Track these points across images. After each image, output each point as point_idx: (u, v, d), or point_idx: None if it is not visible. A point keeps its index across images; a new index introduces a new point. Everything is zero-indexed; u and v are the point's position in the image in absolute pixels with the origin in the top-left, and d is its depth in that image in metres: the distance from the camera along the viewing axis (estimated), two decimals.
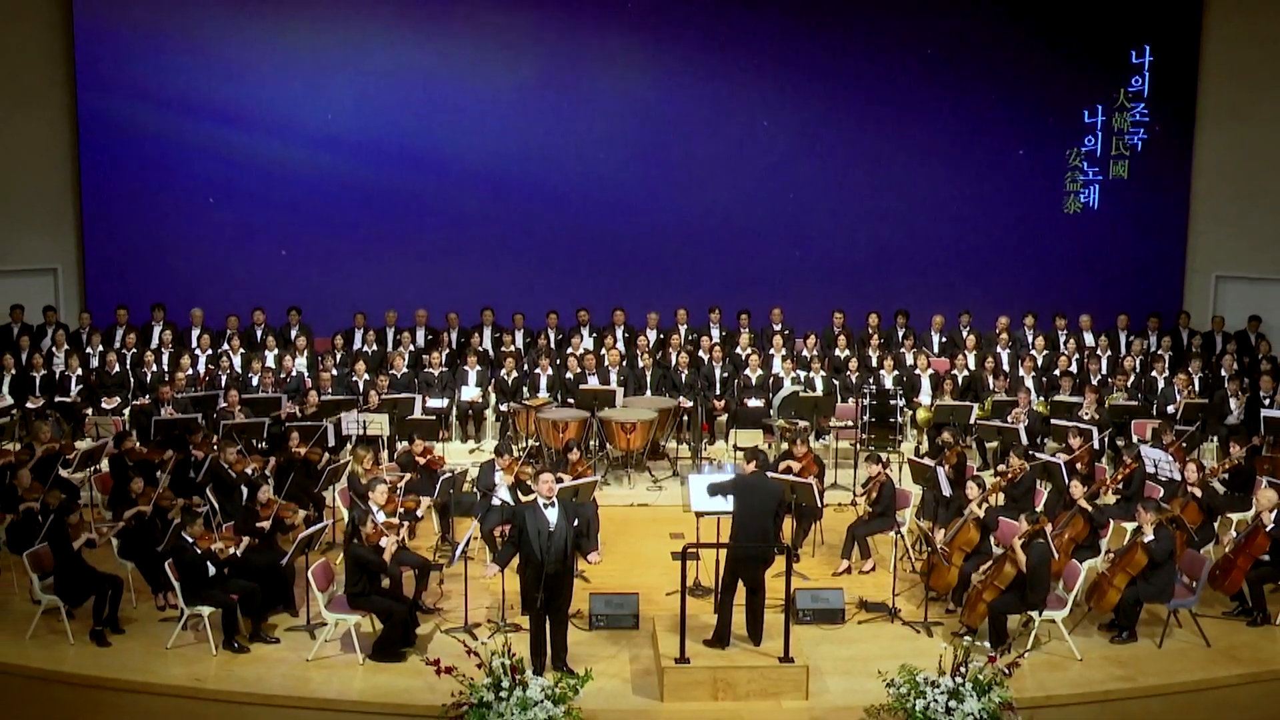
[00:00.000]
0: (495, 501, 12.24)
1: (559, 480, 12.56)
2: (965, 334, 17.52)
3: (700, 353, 16.91)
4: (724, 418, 16.23)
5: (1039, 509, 12.37)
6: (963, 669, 9.61)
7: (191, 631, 10.85)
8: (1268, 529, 11.24)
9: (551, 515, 10.20)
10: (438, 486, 12.77)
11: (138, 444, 13.70)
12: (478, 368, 16.47)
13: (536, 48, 18.63)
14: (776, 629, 10.32)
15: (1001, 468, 13.43)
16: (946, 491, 12.51)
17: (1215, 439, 15.31)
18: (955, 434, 14.04)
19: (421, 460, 13.47)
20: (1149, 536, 10.92)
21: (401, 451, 13.83)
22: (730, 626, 10.48)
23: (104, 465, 13.56)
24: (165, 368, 16.43)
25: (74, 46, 18.04)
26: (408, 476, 13.11)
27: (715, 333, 17.66)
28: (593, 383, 15.86)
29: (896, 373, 16.46)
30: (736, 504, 10.61)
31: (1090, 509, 11.89)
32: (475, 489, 13.00)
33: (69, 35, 18.04)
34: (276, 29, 18.26)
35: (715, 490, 10.82)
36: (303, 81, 18.43)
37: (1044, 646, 10.86)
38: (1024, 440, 14.48)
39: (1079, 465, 13.12)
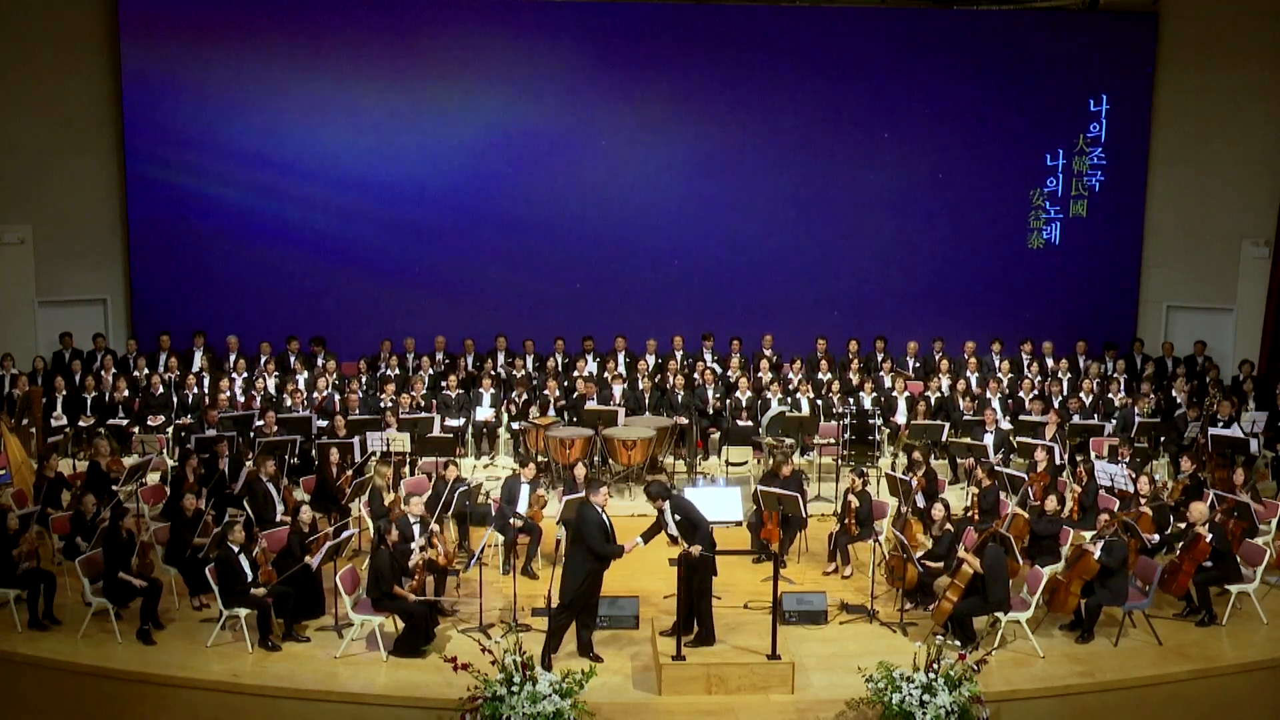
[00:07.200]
0: (516, 513, 12.33)
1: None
2: (938, 359, 17.59)
3: (695, 375, 17.00)
4: (717, 435, 16.33)
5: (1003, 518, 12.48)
6: (935, 665, 9.70)
7: (229, 631, 10.91)
8: (1207, 539, 11.32)
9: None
10: (455, 498, 12.84)
11: (193, 478, 13.21)
12: (491, 390, 16.54)
13: (545, 95, 18.72)
14: (765, 628, 10.40)
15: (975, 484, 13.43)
16: (920, 504, 12.57)
17: (1167, 456, 15.39)
18: (926, 451, 14.11)
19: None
20: (1098, 552, 10.96)
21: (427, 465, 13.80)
22: (713, 624, 10.58)
23: (150, 479, 13.60)
24: (205, 390, 16.53)
25: (122, 97, 18.16)
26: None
27: (709, 357, 17.72)
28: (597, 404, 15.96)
29: (875, 394, 16.54)
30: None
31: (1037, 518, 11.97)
32: (499, 501, 12.93)
33: (118, 86, 18.15)
34: (308, 80, 18.35)
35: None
36: (331, 127, 18.51)
37: (1009, 645, 10.92)
38: (992, 456, 14.57)
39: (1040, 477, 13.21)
